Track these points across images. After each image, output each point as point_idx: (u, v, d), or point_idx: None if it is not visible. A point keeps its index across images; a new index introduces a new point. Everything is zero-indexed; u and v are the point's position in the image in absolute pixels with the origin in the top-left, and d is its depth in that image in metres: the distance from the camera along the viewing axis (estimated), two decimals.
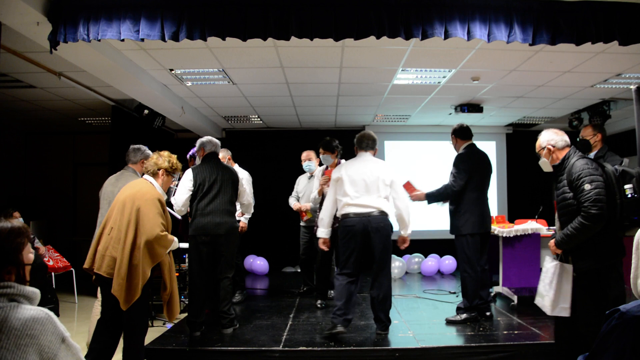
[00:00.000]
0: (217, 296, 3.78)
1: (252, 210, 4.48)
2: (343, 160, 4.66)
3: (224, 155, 4.88)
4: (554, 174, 3.01)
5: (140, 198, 2.93)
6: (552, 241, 2.96)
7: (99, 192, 3.87)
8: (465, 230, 4.03)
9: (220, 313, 3.76)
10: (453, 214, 4.15)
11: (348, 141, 7.26)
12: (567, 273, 2.84)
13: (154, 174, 3.13)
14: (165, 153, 3.22)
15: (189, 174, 3.81)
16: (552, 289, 2.85)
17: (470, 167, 4.06)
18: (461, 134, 4.24)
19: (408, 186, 4.16)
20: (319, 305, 4.70)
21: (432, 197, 4.16)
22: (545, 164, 3.03)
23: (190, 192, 3.77)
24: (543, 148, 3.01)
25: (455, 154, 4.26)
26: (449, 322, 4.03)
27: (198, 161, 4.13)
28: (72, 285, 5.72)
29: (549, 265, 2.94)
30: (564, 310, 2.83)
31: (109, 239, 2.88)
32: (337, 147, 4.72)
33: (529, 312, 4.39)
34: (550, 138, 2.97)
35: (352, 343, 3.47)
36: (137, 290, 2.79)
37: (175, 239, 3.10)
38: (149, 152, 3.94)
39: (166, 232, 2.97)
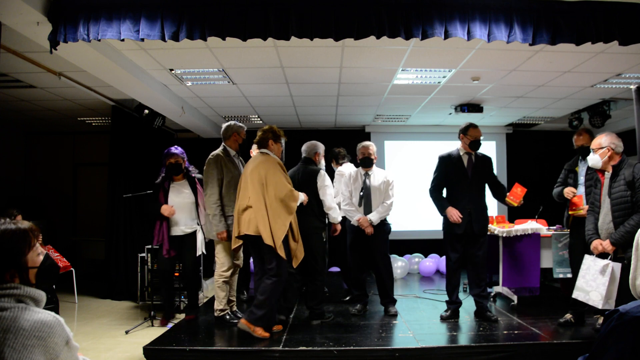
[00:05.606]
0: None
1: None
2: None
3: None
4: (611, 175, 3.28)
5: (263, 168, 3.60)
6: (598, 242, 3.25)
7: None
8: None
9: (308, 307, 4.20)
10: None
11: (348, 141, 7.22)
12: (614, 272, 3.11)
13: (266, 146, 3.77)
14: (266, 127, 3.82)
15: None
16: (603, 285, 3.15)
17: (441, 168, 4.17)
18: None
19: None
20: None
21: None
22: (596, 161, 3.32)
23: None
24: (602, 147, 3.29)
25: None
26: (442, 319, 4.17)
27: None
28: (72, 285, 5.72)
29: (593, 263, 3.28)
30: (611, 304, 3.13)
31: (251, 208, 3.53)
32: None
33: (529, 312, 4.40)
34: (612, 142, 3.29)
35: (352, 343, 3.48)
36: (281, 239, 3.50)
37: (301, 194, 3.71)
38: (239, 124, 4.17)
39: (293, 189, 3.64)
